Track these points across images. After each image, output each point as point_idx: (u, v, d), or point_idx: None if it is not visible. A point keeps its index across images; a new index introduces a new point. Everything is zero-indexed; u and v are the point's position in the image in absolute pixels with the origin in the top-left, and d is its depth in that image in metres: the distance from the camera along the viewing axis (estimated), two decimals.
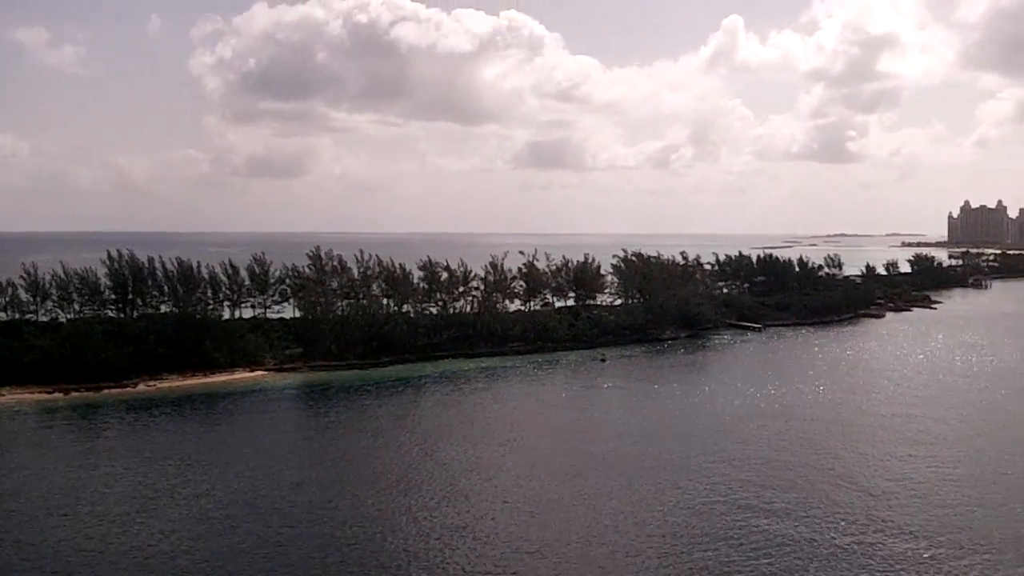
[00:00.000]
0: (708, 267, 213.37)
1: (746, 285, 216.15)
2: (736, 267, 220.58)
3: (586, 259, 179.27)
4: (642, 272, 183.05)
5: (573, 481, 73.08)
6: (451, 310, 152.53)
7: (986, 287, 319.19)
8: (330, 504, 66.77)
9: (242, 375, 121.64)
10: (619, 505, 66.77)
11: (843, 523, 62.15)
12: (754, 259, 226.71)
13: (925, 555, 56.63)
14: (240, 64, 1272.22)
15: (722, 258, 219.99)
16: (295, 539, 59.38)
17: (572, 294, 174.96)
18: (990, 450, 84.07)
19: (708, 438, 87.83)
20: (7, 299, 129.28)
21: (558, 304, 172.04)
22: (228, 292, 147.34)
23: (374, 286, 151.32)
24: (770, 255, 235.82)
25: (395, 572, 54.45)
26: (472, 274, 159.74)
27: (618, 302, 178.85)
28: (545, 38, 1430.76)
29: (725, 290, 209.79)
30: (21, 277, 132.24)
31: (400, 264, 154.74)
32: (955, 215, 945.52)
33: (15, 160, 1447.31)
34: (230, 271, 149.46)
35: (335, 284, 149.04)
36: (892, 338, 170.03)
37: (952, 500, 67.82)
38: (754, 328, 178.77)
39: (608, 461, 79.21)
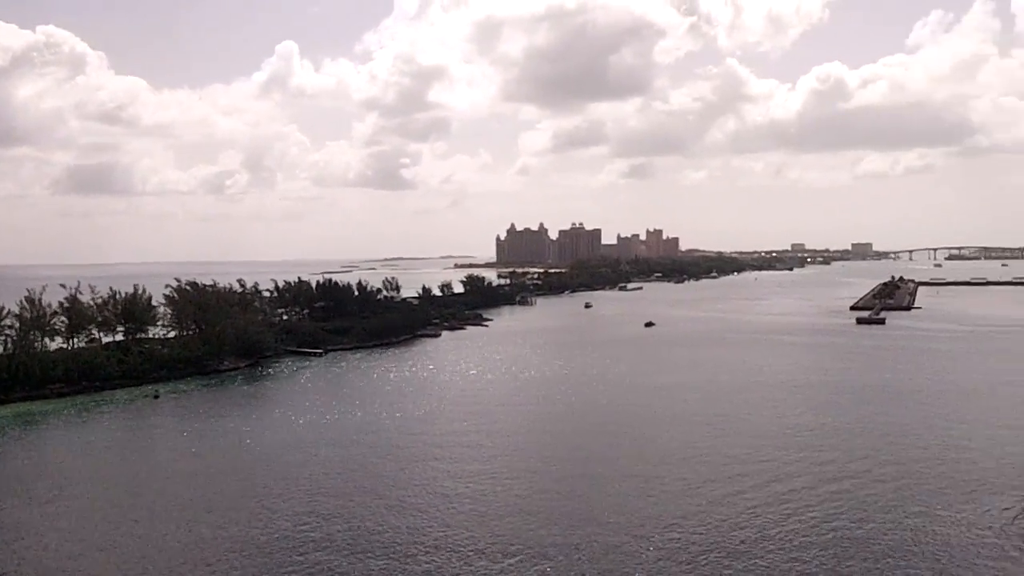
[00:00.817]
0: (267, 294, 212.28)
1: (306, 311, 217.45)
2: (296, 293, 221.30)
3: (136, 290, 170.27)
4: (197, 302, 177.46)
5: (110, 537, 69.10)
6: None
7: (532, 303, 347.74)
8: None
9: None
10: (164, 554, 64.08)
11: (397, 545, 63.86)
12: (314, 284, 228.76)
13: (487, 571, 59.63)
14: None
15: (281, 284, 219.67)
16: None
17: (121, 328, 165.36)
18: (539, 457, 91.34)
19: (258, 472, 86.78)
20: None
21: (106, 339, 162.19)
22: None
23: None
24: (329, 280, 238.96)
25: None
26: (5, 311, 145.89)
27: (172, 334, 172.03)
28: (88, 56, 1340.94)
29: (285, 317, 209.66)
30: None
31: None
32: (502, 238, 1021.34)
33: None
34: None
35: None
36: (447, 356, 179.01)
37: (505, 512, 71.41)
38: (315, 354, 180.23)
39: (153, 508, 75.47)
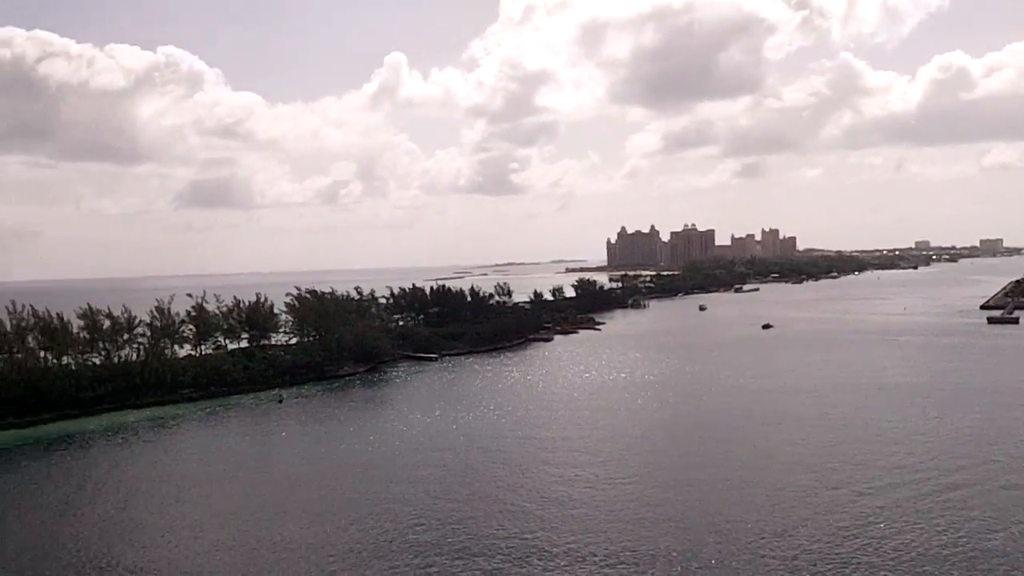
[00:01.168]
0: (383, 301, 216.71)
1: (421, 317, 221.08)
2: (410, 299, 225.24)
3: (258, 298, 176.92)
4: (317, 309, 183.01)
5: (235, 536, 72.25)
6: (116, 359, 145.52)
7: (644, 306, 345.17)
8: None
9: None
10: (286, 554, 66.59)
11: (511, 549, 64.67)
12: (427, 291, 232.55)
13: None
14: None
15: (396, 291, 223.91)
16: None
17: (245, 335, 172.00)
18: (653, 463, 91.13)
19: (377, 475, 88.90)
20: None
21: (231, 346, 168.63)
22: None
23: (29, 338, 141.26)
24: (443, 286, 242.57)
25: None
26: (137, 320, 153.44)
27: (294, 340, 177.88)
28: (205, 74, 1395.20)
29: (401, 323, 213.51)
30: None
31: (58, 313, 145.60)
32: (613, 240, 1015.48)
33: None
34: None
35: None
36: (560, 360, 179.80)
37: (617, 518, 71.48)
38: (430, 358, 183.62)
39: (277, 509, 78.37)
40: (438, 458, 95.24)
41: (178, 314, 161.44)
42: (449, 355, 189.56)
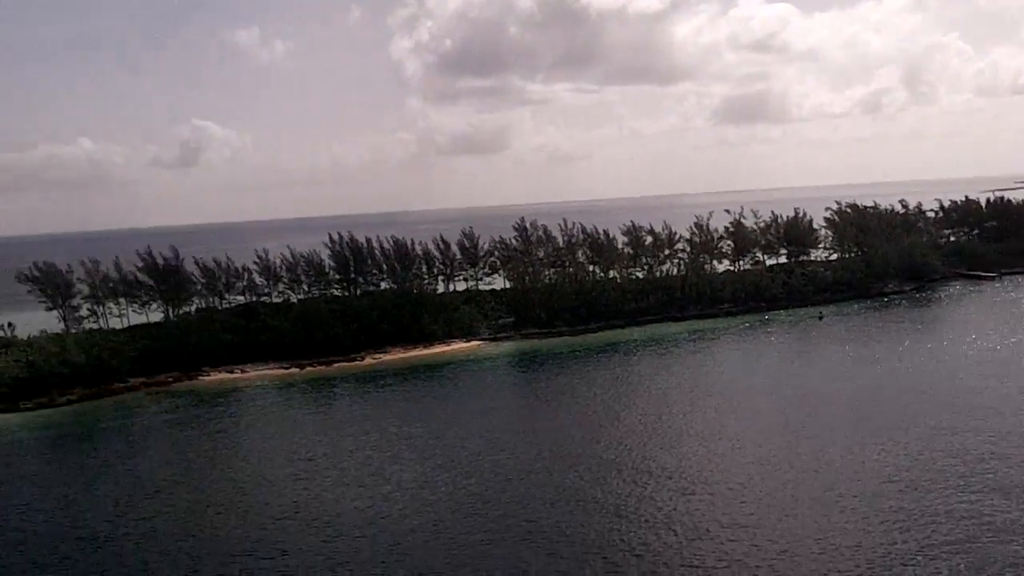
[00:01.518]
0: (931, 214, 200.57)
1: (975, 232, 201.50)
2: (963, 213, 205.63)
3: (796, 214, 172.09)
4: (858, 224, 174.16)
5: (781, 451, 70.71)
6: (657, 274, 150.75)
7: None
8: (552, 468, 67.75)
9: (459, 345, 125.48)
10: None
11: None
12: (983, 203, 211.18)
13: None
14: (437, 45, 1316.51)
15: (946, 204, 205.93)
16: (513, 499, 61.21)
17: (783, 251, 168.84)
18: None
19: (909, 403, 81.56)
20: (244, 283, 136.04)
21: (769, 262, 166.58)
22: (441, 267, 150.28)
23: (579, 253, 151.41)
24: (1001, 198, 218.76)
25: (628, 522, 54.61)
26: (677, 236, 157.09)
27: (833, 257, 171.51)
28: None
29: (952, 238, 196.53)
30: (254, 263, 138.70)
31: (604, 230, 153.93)
32: None
33: (241, 155, 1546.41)
34: (442, 247, 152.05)
35: (541, 253, 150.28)
36: None
37: None
38: (988, 277, 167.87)
39: (835, 433, 74.14)
40: (987, 385, 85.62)
41: (716, 230, 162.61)
42: (1009, 274, 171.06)
